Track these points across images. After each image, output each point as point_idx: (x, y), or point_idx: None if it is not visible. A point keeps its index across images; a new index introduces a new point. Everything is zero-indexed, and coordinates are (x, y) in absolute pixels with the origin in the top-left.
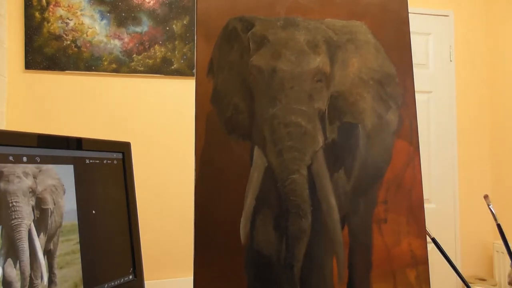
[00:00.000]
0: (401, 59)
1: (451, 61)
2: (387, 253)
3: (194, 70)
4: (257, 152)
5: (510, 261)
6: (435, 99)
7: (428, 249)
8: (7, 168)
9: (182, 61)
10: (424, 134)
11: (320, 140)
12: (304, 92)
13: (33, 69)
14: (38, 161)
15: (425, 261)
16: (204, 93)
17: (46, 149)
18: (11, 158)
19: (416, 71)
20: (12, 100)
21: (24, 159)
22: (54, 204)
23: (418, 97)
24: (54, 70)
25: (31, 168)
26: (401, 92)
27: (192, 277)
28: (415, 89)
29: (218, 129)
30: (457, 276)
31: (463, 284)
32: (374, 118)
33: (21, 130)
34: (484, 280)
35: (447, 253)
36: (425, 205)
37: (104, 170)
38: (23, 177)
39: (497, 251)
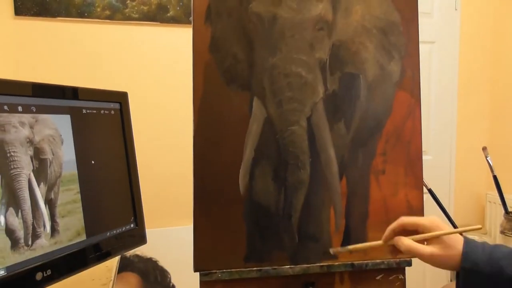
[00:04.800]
0: (407, 4)
1: (456, 9)
2: (384, 203)
3: (191, 18)
4: (256, 103)
5: (503, 211)
6: (437, 50)
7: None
8: (3, 117)
9: (178, 8)
10: (424, 85)
11: (321, 91)
12: (305, 41)
13: (23, 15)
14: (34, 110)
15: (420, 211)
16: (202, 41)
17: (41, 98)
18: (6, 107)
19: (419, 20)
20: (1, 48)
21: (20, 108)
22: (53, 154)
23: (420, 47)
24: (45, 16)
25: (27, 117)
26: (405, 42)
27: (192, 226)
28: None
29: (216, 79)
30: (451, 225)
31: None
32: (376, 68)
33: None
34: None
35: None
36: (422, 157)
37: (102, 120)
38: (20, 127)
39: (489, 202)
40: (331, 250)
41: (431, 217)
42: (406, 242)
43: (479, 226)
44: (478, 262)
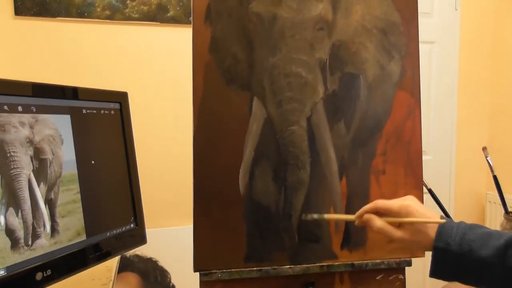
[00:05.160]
0: (407, 4)
1: (456, 9)
2: None
3: (191, 18)
4: (256, 103)
5: (503, 211)
6: (437, 50)
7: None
8: (3, 117)
9: (178, 8)
10: (424, 85)
11: (321, 91)
12: (305, 41)
13: (23, 15)
14: (34, 110)
15: None
16: (202, 41)
17: (41, 98)
18: (6, 107)
19: (419, 20)
20: (1, 48)
21: (20, 108)
22: (53, 154)
23: (420, 47)
24: (45, 16)
25: (27, 117)
26: (405, 42)
27: (192, 226)
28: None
29: (216, 79)
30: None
31: None
32: (376, 68)
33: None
34: None
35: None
36: (422, 157)
37: (102, 121)
38: (20, 127)
39: (489, 202)
40: (307, 216)
41: (404, 202)
42: (379, 223)
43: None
44: (450, 242)
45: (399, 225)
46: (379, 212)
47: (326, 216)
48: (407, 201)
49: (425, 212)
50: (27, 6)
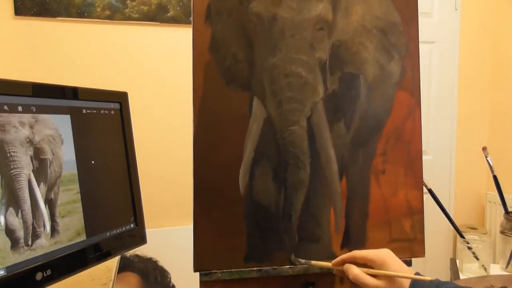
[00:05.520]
0: (407, 4)
1: (456, 9)
2: (384, 203)
3: (191, 18)
4: (256, 103)
5: (503, 211)
6: (437, 50)
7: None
8: (3, 117)
9: (178, 8)
10: (424, 85)
11: (321, 91)
12: (305, 41)
13: (23, 15)
14: (34, 110)
15: (420, 211)
16: (202, 41)
17: (41, 98)
18: (6, 107)
19: (419, 20)
20: (1, 48)
21: (20, 108)
22: (53, 154)
23: (420, 47)
24: (45, 16)
25: (27, 117)
26: (405, 42)
27: (192, 226)
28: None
29: (216, 79)
30: (451, 225)
31: (456, 233)
32: (376, 68)
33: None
34: (475, 229)
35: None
36: (422, 157)
37: (102, 120)
38: (20, 127)
39: (489, 202)
40: (292, 258)
41: (380, 252)
42: (356, 271)
43: (430, 278)
44: None
45: (375, 276)
46: (357, 262)
47: (303, 261)
48: (384, 251)
49: (400, 264)
50: (27, 6)
